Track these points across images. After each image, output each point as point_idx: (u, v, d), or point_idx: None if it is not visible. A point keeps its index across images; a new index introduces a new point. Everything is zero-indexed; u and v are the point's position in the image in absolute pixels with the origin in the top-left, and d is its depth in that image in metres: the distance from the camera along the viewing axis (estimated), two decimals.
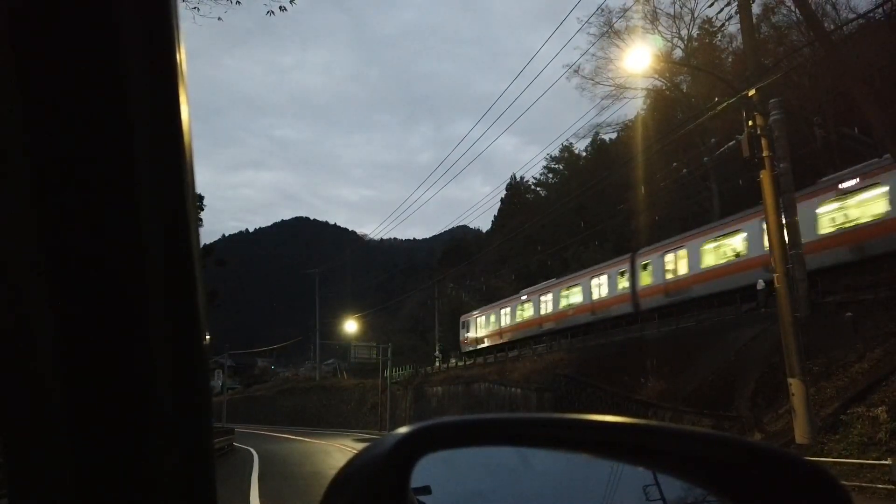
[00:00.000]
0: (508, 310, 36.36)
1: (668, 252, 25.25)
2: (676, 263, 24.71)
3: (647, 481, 0.86)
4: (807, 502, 0.81)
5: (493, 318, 38.00)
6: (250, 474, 14.80)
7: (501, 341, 35.96)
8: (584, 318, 29.59)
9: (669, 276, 24.86)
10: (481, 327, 39.40)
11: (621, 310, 27.29)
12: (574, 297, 30.91)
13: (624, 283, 27.47)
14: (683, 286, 24.00)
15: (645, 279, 26.31)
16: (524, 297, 35.03)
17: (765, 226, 19.34)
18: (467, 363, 38.12)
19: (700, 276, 23.32)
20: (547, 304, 32.65)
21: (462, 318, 42.61)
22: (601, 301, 28.80)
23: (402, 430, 0.77)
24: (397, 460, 0.73)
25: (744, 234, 21.58)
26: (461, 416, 0.88)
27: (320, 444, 26.72)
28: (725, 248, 22.78)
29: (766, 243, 19.73)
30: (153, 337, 0.53)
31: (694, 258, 23.78)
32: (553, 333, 31.63)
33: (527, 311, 34.41)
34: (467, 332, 41.28)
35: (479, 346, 38.99)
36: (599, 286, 29.12)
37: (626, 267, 27.43)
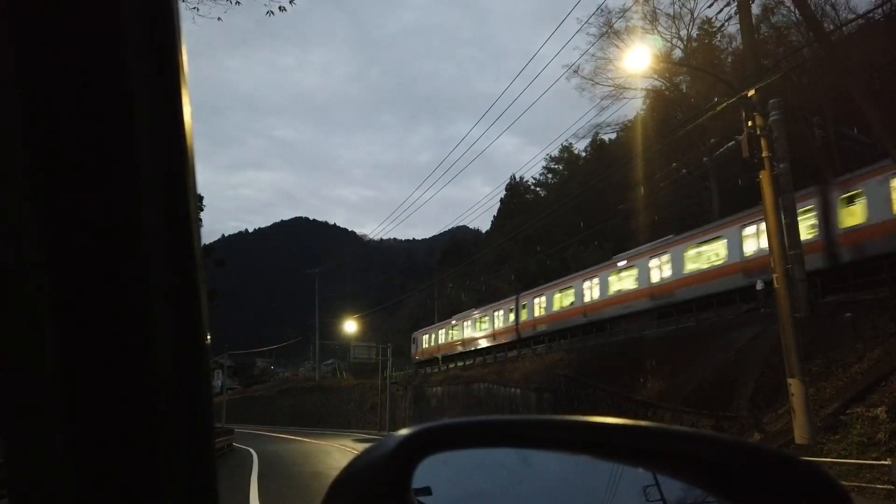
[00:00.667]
0: (444, 331, 44.60)
1: (536, 297, 34.21)
2: (540, 306, 33.62)
3: (647, 482, 0.87)
4: (806, 503, 0.81)
5: (433, 336, 46.26)
6: (250, 474, 14.80)
7: (439, 355, 43.61)
8: (488, 342, 37.99)
9: (537, 314, 33.70)
10: (425, 343, 47.26)
11: (510, 337, 35.59)
12: (485, 324, 39.13)
13: (511, 318, 35.77)
14: (544, 322, 32.99)
15: (523, 315, 34.66)
16: (454, 322, 43.21)
17: (587, 284, 30.42)
18: (467, 363, 38.38)
19: (552, 317, 32.57)
20: (466, 328, 41.25)
21: (413, 335, 50.04)
22: (499, 330, 37.15)
23: (404, 431, 0.77)
24: (399, 462, 0.73)
25: (573, 289, 31.35)
26: (462, 417, 0.89)
27: (320, 445, 26.72)
28: (565, 298, 32.11)
29: (586, 296, 30.33)
30: (155, 337, 0.53)
31: (549, 303, 33.00)
32: (472, 352, 39.54)
33: (455, 333, 42.68)
34: (417, 346, 48.45)
35: (424, 358, 46.46)
36: (498, 318, 37.57)
37: (513, 305, 35.92)
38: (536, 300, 33.92)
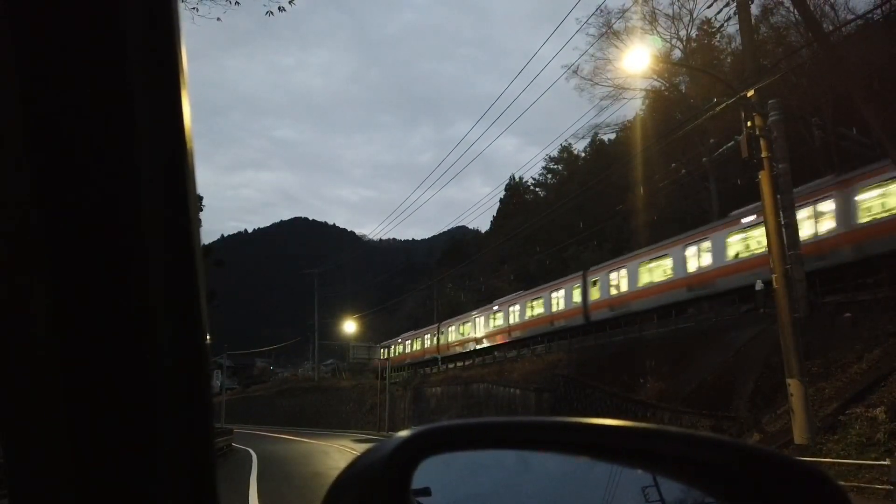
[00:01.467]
0: (394, 347, 54.15)
1: (450, 326, 45.17)
2: (454, 333, 44.31)
3: (646, 483, 0.87)
4: None
5: (394, 348, 54.82)
6: (249, 475, 14.79)
7: (399, 363, 52.99)
8: (420, 358, 48.48)
9: (450, 339, 44.65)
10: (383, 355, 55.17)
11: (432, 356, 45.79)
12: (416, 344, 50.55)
13: (434, 341, 46.89)
14: (455, 346, 43.65)
15: (443, 339, 45.54)
16: (399, 340, 54.30)
17: (479, 320, 41.79)
18: (466, 363, 38.45)
19: (459, 342, 43.06)
20: (407, 346, 52.45)
21: (380, 344, 57.75)
22: (426, 349, 48.25)
23: (404, 433, 0.77)
24: (398, 463, 0.73)
25: (472, 322, 41.89)
26: (462, 419, 0.89)
27: (319, 445, 26.70)
28: (466, 329, 42.66)
29: (477, 329, 41.39)
30: (155, 337, 0.53)
31: (458, 332, 43.74)
32: (413, 363, 48.99)
33: (401, 348, 53.28)
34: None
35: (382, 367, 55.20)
36: (427, 339, 48.78)
37: (435, 331, 47.13)
38: (451, 328, 45.01)
